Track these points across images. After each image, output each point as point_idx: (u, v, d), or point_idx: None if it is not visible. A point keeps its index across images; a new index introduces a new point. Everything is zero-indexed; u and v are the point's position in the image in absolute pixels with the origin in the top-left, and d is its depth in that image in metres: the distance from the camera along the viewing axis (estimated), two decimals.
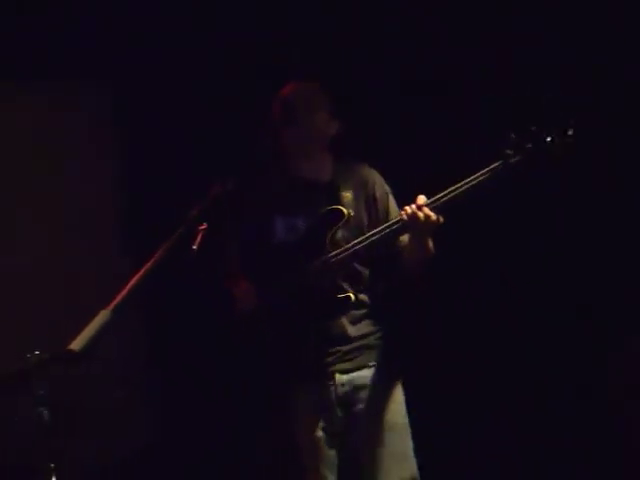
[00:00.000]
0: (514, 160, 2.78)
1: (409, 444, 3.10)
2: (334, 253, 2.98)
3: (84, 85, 4.44)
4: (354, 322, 3.08)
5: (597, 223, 3.74)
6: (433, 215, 2.81)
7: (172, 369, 4.42)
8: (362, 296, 3.08)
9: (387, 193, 3.14)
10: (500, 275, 3.95)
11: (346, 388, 3.07)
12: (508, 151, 2.77)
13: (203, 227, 2.72)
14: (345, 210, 3.01)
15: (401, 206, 2.98)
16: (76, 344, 2.47)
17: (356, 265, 3.06)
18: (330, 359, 3.06)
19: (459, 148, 3.75)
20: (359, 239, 2.97)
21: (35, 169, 4.39)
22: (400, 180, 3.47)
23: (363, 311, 3.10)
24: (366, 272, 3.11)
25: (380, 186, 3.13)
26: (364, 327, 3.10)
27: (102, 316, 2.51)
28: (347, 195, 3.08)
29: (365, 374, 3.08)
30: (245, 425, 4.25)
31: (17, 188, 4.34)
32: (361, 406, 3.07)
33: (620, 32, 3.68)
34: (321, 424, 3.07)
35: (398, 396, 3.12)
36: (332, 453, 3.08)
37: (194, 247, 2.68)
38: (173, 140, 4.38)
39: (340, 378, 3.07)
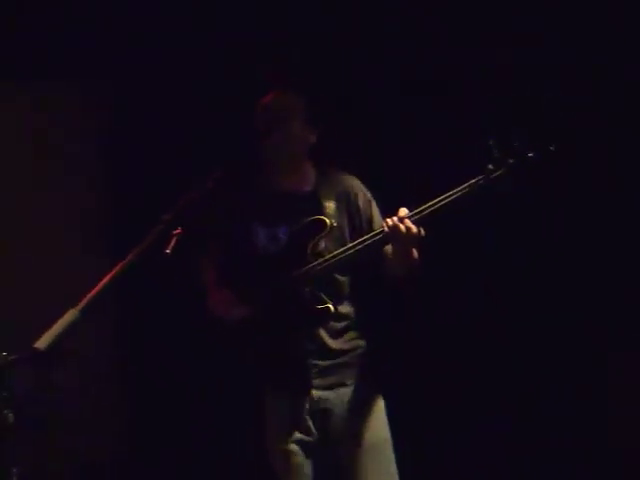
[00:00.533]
0: (495, 175, 2.78)
1: (391, 459, 3.07)
2: (315, 263, 2.95)
3: (83, 85, 4.43)
4: (334, 336, 3.05)
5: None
6: (414, 227, 2.80)
7: (142, 373, 4.40)
8: (343, 308, 3.06)
9: (370, 202, 3.11)
10: (491, 281, 3.94)
11: (322, 405, 3.03)
12: (490, 166, 2.78)
13: (177, 232, 2.70)
14: (328, 220, 2.97)
15: (396, 210, 2.96)
16: (41, 342, 2.44)
17: (337, 275, 3.04)
18: (307, 373, 3.03)
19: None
20: (341, 249, 2.95)
21: (27, 169, 4.39)
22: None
23: (343, 324, 3.07)
24: (346, 282, 3.09)
25: (362, 196, 3.09)
26: (344, 342, 3.07)
27: (69, 315, 2.49)
28: (330, 205, 3.05)
29: (343, 391, 3.05)
30: (220, 432, 4.24)
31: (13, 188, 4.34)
32: (339, 423, 3.03)
33: (620, 32, 3.68)
34: (294, 437, 3.03)
35: (379, 412, 3.08)
36: (306, 465, 3.03)
37: (167, 251, 2.66)
38: (169, 141, 4.38)
39: (316, 393, 3.03)
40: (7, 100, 4.34)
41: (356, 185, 3.13)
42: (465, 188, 2.81)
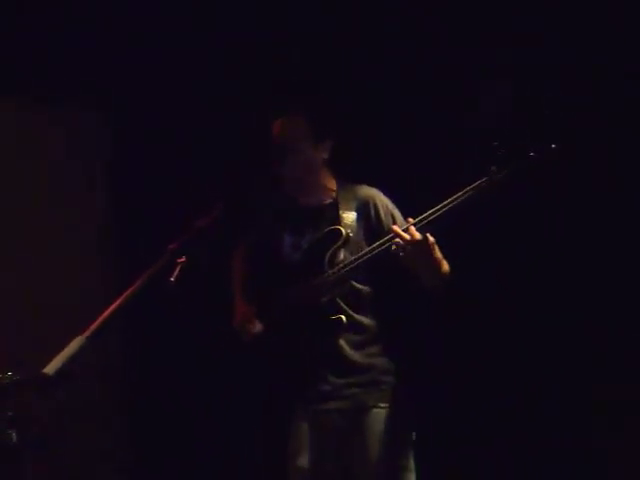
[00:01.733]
0: (498, 177, 2.78)
1: None
2: (329, 272, 3.00)
3: (73, 102, 4.41)
4: (354, 347, 3.06)
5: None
6: (417, 235, 2.79)
7: (149, 395, 4.42)
8: (364, 319, 3.07)
9: (391, 212, 3.14)
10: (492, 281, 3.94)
11: (343, 425, 3.04)
12: (493, 167, 2.78)
13: (182, 260, 2.77)
14: (344, 231, 3.04)
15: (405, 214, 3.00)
16: (49, 368, 2.51)
17: (356, 284, 3.07)
18: (326, 393, 3.05)
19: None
20: (352, 258, 3.00)
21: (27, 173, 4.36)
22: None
23: (364, 336, 3.08)
24: (367, 292, 3.11)
25: (383, 206, 3.14)
26: (365, 357, 3.07)
27: (77, 342, 2.56)
28: (348, 216, 3.10)
29: (364, 414, 3.03)
30: (226, 455, 4.27)
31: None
32: (358, 445, 3.02)
33: (620, 32, 3.68)
34: (310, 456, 3.05)
35: (401, 436, 3.06)
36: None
37: (172, 279, 2.73)
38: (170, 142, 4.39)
39: (335, 414, 3.04)
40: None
41: (376, 195, 3.17)
42: (469, 191, 2.80)
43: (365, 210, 3.12)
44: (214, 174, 4.22)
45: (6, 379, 2.68)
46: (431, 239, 2.83)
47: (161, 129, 4.39)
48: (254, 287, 3.25)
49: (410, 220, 2.85)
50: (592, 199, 3.76)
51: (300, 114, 3.19)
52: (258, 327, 3.11)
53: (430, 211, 2.84)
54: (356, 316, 3.05)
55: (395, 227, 2.85)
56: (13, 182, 4.28)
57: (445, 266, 2.97)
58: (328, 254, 3.03)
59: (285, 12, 4.18)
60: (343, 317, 2.98)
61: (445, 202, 2.82)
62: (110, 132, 4.54)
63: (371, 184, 3.24)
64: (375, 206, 3.13)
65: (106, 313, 2.61)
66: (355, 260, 2.97)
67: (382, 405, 3.04)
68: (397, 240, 2.82)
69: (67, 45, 4.24)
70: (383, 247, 2.91)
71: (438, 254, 2.90)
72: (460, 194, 2.80)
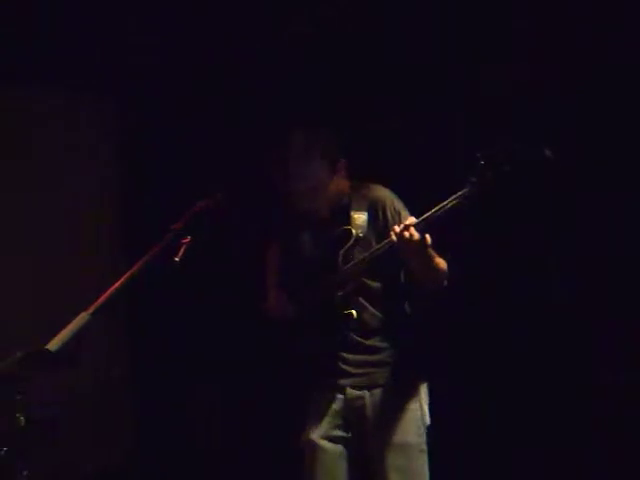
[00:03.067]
0: (475, 189, 2.87)
1: (421, 464, 3.15)
2: (341, 270, 3.14)
3: (88, 89, 4.49)
4: (366, 336, 3.18)
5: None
6: (416, 235, 2.89)
7: (153, 375, 4.50)
8: (374, 312, 3.19)
9: (399, 212, 3.19)
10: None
11: (356, 403, 3.17)
12: (472, 178, 2.87)
13: (186, 240, 2.84)
14: (354, 231, 3.16)
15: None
16: (52, 344, 2.55)
17: (367, 281, 3.18)
18: (341, 372, 3.18)
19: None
20: (360, 257, 3.13)
21: (35, 169, 4.45)
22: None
23: (376, 326, 3.20)
24: (378, 288, 3.22)
25: (391, 206, 3.21)
26: (377, 342, 3.19)
27: (80, 318, 2.61)
28: (360, 217, 3.19)
29: (377, 392, 3.16)
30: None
31: (20, 189, 4.40)
32: (371, 422, 3.15)
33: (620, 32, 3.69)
34: (328, 433, 3.17)
35: (412, 415, 3.17)
36: (334, 463, 3.16)
37: (176, 259, 2.80)
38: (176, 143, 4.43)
39: (351, 392, 3.18)
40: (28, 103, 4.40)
41: (386, 196, 3.24)
42: (453, 200, 2.90)
43: (375, 211, 3.21)
44: (222, 160, 4.29)
45: (11, 360, 2.68)
46: (428, 239, 2.93)
47: (175, 130, 4.45)
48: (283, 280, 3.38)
49: (412, 219, 2.95)
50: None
51: (307, 134, 3.25)
52: (289, 310, 3.26)
53: (427, 214, 2.93)
54: (370, 309, 3.18)
55: (397, 226, 2.95)
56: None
57: (441, 264, 3.09)
58: (341, 253, 3.16)
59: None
60: (354, 312, 3.12)
61: (435, 209, 2.92)
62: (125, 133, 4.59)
63: (385, 184, 3.29)
64: (384, 207, 3.20)
65: (110, 290, 2.67)
66: (364, 259, 3.11)
67: (393, 384, 3.17)
68: (392, 239, 2.95)
69: (82, 48, 4.26)
70: (386, 246, 3.02)
71: (432, 253, 3.01)
72: (446, 202, 2.91)
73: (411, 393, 3.20)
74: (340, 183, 3.27)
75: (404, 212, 3.20)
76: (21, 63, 4.17)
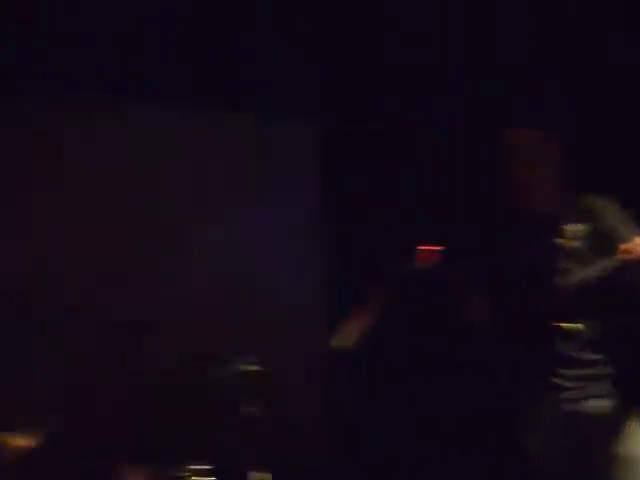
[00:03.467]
0: None
1: None
2: (560, 284, 3.01)
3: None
4: (582, 349, 3.05)
5: None
6: None
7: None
8: (590, 324, 3.06)
9: (619, 225, 3.04)
10: None
11: (580, 413, 3.05)
12: None
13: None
14: (570, 243, 3.02)
15: None
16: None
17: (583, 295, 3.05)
18: (557, 384, 3.07)
19: None
20: (582, 275, 2.99)
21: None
22: None
23: (591, 338, 3.07)
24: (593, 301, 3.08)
25: (612, 217, 3.06)
26: (592, 354, 3.06)
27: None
28: (577, 228, 3.06)
29: (594, 404, 3.05)
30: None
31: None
32: (591, 436, 3.04)
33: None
34: (555, 441, 3.08)
35: (632, 427, 3.05)
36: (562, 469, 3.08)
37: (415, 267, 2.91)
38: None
39: (573, 403, 3.06)
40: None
41: (606, 207, 3.08)
42: None
43: (594, 222, 3.05)
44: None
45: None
46: None
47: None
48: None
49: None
50: None
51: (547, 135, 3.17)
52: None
53: None
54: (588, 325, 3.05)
55: (626, 243, 2.77)
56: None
57: None
58: (556, 266, 3.01)
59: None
60: (581, 326, 2.99)
61: None
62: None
63: (607, 195, 3.14)
64: (603, 219, 3.05)
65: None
66: (585, 278, 2.96)
67: (606, 397, 3.05)
68: (622, 256, 2.76)
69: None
70: (612, 264, 2.87)
71: None
72: None
73: (628, 403, 3.06)
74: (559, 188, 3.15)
75: (624, 225, 3.03)
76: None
